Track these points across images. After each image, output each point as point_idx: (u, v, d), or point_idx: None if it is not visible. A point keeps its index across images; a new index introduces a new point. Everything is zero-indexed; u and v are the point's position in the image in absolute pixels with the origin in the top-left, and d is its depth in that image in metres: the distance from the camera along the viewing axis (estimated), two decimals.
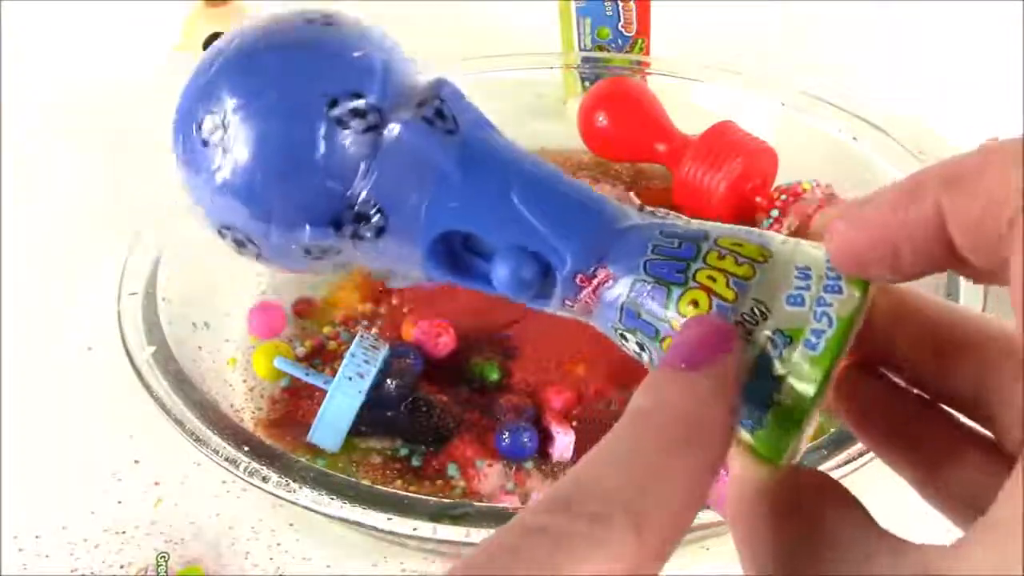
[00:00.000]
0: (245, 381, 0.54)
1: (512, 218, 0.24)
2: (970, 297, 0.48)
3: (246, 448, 0.43)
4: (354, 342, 0.49)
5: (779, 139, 0.60)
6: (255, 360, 0.53)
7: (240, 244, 0.25)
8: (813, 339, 0.22)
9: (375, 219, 0.24)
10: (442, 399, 0.51)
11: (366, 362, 0.48)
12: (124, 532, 0.49)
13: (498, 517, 0.40)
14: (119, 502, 0.50)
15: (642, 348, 0.24)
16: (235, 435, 0.44)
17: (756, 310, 0.23)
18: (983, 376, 0.22)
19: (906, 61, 0.78)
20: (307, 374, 0.50)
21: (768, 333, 0.22)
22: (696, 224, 0.25)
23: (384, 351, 0.49)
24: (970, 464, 0.23)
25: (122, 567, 0.47)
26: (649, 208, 0.26)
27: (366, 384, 0.47)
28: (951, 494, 0.23)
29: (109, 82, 0.78)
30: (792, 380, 0.22)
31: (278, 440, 0.49)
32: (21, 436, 0.54)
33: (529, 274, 0.24)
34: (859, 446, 0.41)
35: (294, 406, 0.52)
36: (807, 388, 0.22)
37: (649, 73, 0.68)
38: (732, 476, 0.22)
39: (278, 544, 0.48)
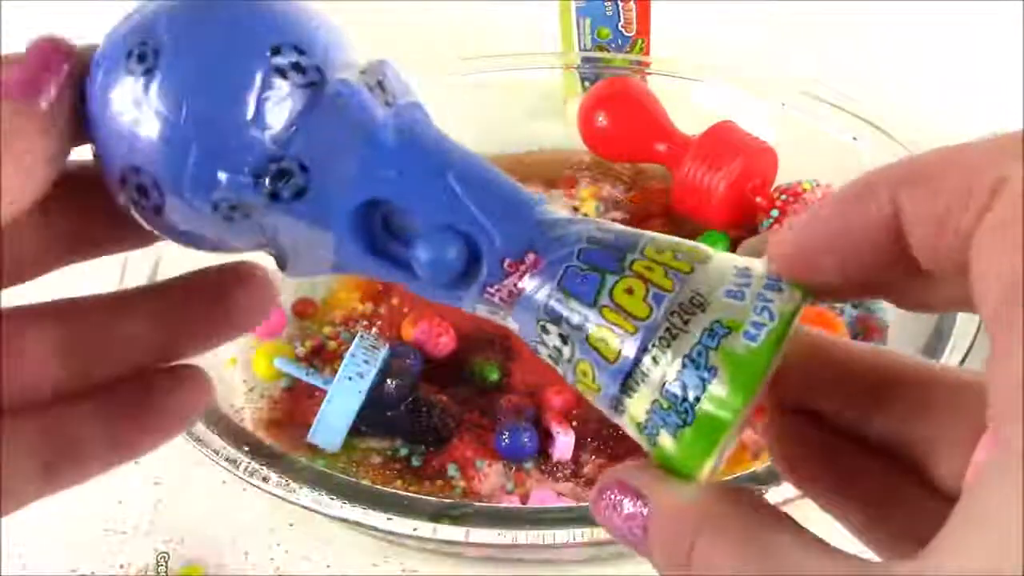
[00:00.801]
0: (245, 381, 0.54)
1: (444, 195, 0.23)
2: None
3: (246, 448, 0.43)
4: (354, 342, 0.49)
5: (779, 139, 0.60)
6: (255, 360, 0.53)
7: (142, 193, 0.23)
8: (753, 331, 0.21)
9: (297, 177, 0.23)
10: (442, 399, 0.51)
11: (366, 362, 0.48)
12: (124, 532, 0.49)
13: (498, 517, 0.40)
14: (119, 502, 0.50)
15: (564, 341, 0.23)
16: (235, 435, 0.44)
17: (695, 299, 0.22)
18: (904, 417, 0.22)
19: (906, 61, 0.78)
20: (307, 374, 0.50)
21: (706, 323, 0.21)
22: (630, 227, 0.24)
23: (384, 351, 0.49)
24: (908, 503, 0.22)
25: (122, 567, 0.47)
26: (583, 213, 0.25)
27: (366, 384, 0.47)
28: (891, 533, 0.22)
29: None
30: (728, 370, 0.21)
31: (278, 440, 0.49)
32: None
33: (454, 254, 0.23)
34: None
35: (294, 406, 0.52)
36: (743, 379, 0.21)
37: (649, 73, 0.68)
38: (658, 512, 0.21)
39: (278, 544, 0.48)
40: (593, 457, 0.49)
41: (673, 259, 0.22)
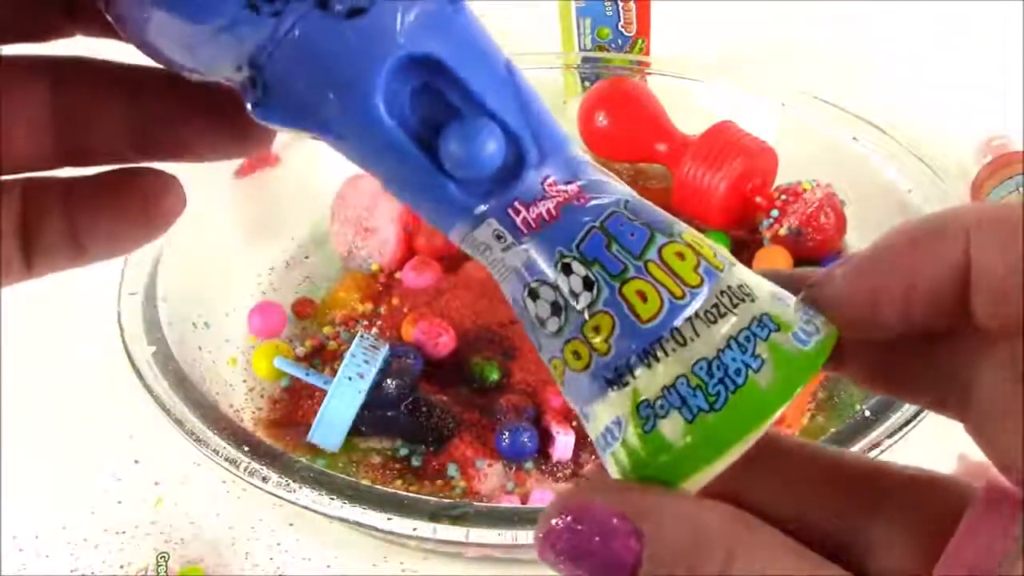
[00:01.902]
0: (245, 381, 0.54)
1: (502, 84, 0.20)
2: None
3: (246, 448, 0.43)
4: (354, 342, 0.49)
5: (779, 139, 0.60)
6: (255, 360, 0.53)
7: None
8: (803, 336, 0.19)
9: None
10: (442, 399, 0.51)
11: (366, 362, 0.48)
12: (124, 532, 0.49)
13: (498, 517, 0.40)
14: (119, 502, 0.50)
15: (589, 286, 0.20)
16: (235, 435, 0.44)
17: (743, 288, 0.20)
18: (840, 514, 0.21)
19: (906, 61, 0.78)
20: (307, 374, 0.50)
21: (755, 313, 0.19)
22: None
23: (384, 351, 0.49)
24: None
25: (122, 567, 0.47)
26: None
27: (366, 384, 0.47)
28: None
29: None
30: (776, 366, 0.19)
31: (278, 440, 0.49)
32: (21, 436, 0.54)
33: (493, 148, 0.20)
34: (859, 445, 0.41)
35: (294, 406, 0.52)
36: (792, 378, 0.19)
37: (649, 73, 0.68)
38: (664, 541, 0.18)
39: (278, 544, 0.48)
40: (593, 457, 0.49)
41: (712, 249, 0.21)
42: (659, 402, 0.19)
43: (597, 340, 0.20)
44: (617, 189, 0.21)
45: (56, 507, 0.50)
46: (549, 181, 0.21)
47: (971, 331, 0.19)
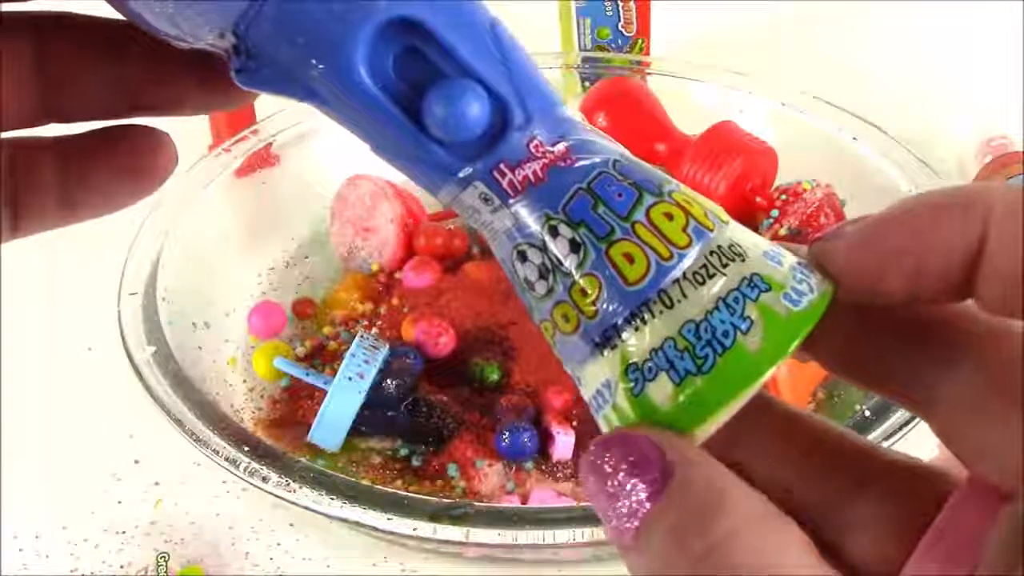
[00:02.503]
0: (245, 381, 0.54)
1: (486, 45, 0.20)
2: None
3: (246, 448, 0.43)
4: (354, 342, 0.49)
5: (779, 139, 0.60)
6: (255, 360, 0.53)
7: None
8: (795, 296, 0.19)
9: None
10: (442, 399, 0.51)
11: (366, 362, 0.48)
12: (124, 532, 0.49)
13: (498, 517, 0.40)
14: (119, 502, 0.50)
15: (575, 248, 0.20)
16: (235, 435, 0.44)
17: (734, 248, 0.20)
18: (830, 492, 0.21)
19: (906, 61, 0.78)
20: (307, 374, 0.50)
21: (745, 274, 0.19)
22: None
23: (384, 351, 0.49)
24: None
25: (122, 567, 0.47)
26: None
27: (366, 384, 0.47)
28: None
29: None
30: (767, 326, 0.19)
31: (278, 440, 0.49)
32: (21, 436, 0.54)
33: (478, 110, 0.20)
34: None
35: (294, 406, 0.52)
36: (783, 339, 0.19)
37: (649, 73, 0.68)
38: (689, 483, 0.18)
39: (278, 544, 0.48)
40: None
41: (703, 208, 0.20)
42: (647, 365, 0.19)
43: (585, 303, 0.20)
44: (608, 148, 0.21)
45: (56, 507, 0.50)
46: (535, 143, 0.20)
47: (945, 324, 0.19)
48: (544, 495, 0.47)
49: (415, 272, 0.58)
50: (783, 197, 0.57)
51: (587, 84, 0.69)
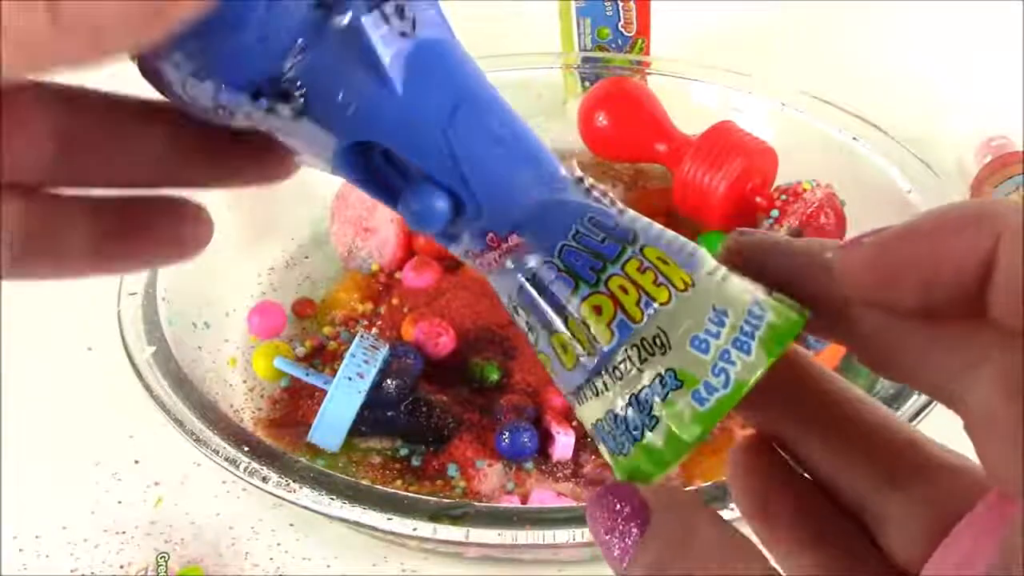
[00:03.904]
0: (245, 381, 0.54)
1: (440, 152, 0.22)
2: None
3: (246, 448, 0.43)
4: (354, 342, 0.49)
5: (779, 139, 0.60)
6: (255, 360, 0.53)
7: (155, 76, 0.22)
8: (704, 393, 0.20)
9: (297, 102, 0.22)
10: (442, 399, 0.51)
11: (366, 362, 0.48)
12: (124, 532, 0.49)
13: (498, 517, 0.40)
14: (119, 502, 0.50)
15: (530, 329, 0.23)
16: (235, 435, 0.44)
17: (658, 340, 0.21)
18: (871, 480, 0.21)
19: (906, 61, 0.78)
20: (307, 374, 0.50)
21: (660, 370, 0.21)
22: (628, 219, 0.23)
23: (384, 351, 0.49)
24: (867, 569, 0.21)
25: (122, 567, 0.47)
26: (588, 182, 0.23)
27: (366, 384, 0.47)
28: None
29: (110, 79, 0.78)
30: (669, 426, 0.21)
31: (278, 440, 0.49)
32: (21, 436, 0.54)
33: (441, 208, 0.22)
34: None
35: (294, 406, 0.52)
36: (683, 439, 0.20)
37: (649, 73, 0.68)
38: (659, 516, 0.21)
39: (278, 544, 0.48)
40: (593, 457, 0.49)
41: (652, 284, 0.22)
42: (595, 430, 0.22)
43: (548, 368, 0.23)
44: (565, 221, 0.22)
45: (56, 507, 0.50)
46: (490, 236, 0.23)
47: (974, 329, 0.19)
48: (544, 495, 0.47)
49: (415, 272, 0.58)
50: (783, 197, 0.57)
51: (587, 84, 0.69)
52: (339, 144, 0.22)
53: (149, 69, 0.22)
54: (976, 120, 0.68)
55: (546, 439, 0.49)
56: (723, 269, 0.22)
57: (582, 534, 0.39)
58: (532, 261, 0.22)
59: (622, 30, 0.70)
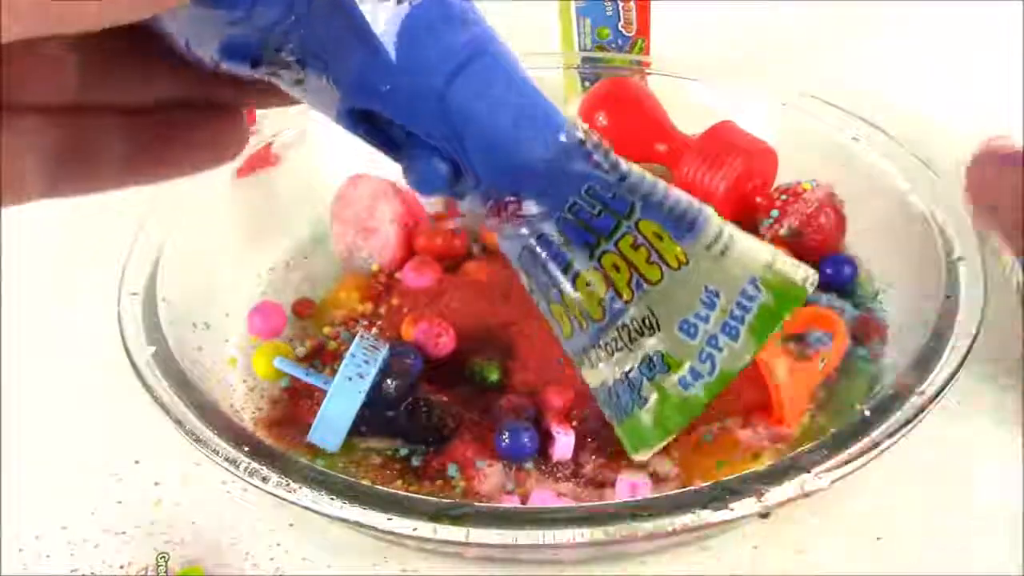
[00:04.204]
0: (245, 381, 0.54)
1: (437, 120, 0.22)
2: (970, 293, 0.48)
3: (246, 448, 0.43)
4: (354, 342, 0.49)
5: (779, 139, 0.60)
6: (255, 360, 0.53)
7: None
8: (690, 378, 0.21)
9: (294, 70, 0.22)
10: (442, 399, 0.51)
11: (366, 362, 0.48)
12: (124, 532, 0.49)
13: (498, 517, 0.40)
14: (119, 502, 0.50)
15: (532, 292, 0.23)
16: (235, 435, 0.44)
17: (648, 321, 0.21)
18: None
19: (906, 60, 0.78)
20: (307, 374, 0.50)
21: (649, 352, 0.21)
22: (627, 187, 0.22)
23: (384, 351, 0.49)
24: None
25: (122, 567, 0.47)
26: (591, 143, 0.23)
27: (366, 384, 0.47)
28: None
29: None
30: (655, 408, 0.21)
31: (278, 440, 0.49)
32: (21, 436, 0.54)
33: (440, 172, 0.22)
34: (859, 445, 0.41)
35: (294, 406, 0.52)
36: (669, 422, 0.21)
37: (649, 73, 0.68)
38: None
39: (278, 544, 0.48)
40: (593, 457, 0.49)
41: (645, 262, 0.22)
42: (593, 393, 0.23)
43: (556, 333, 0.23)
44: (565, 187, 0.22)
45: (56, 507, 0.50)
46: (491, 203, 0.23)
47: None
48: (544, 495, 0.47)
49: (415, 272, 0.58)
50: (783, 197, 0.57)
51: (587, 84, 0.69)
52: (340, 106, 0.22)
53: (156, 28, 0.22)
54: (976, 120, 0.68)
55: (546, 439, 0.49)
56: (726, 235, 0.22)
57: (582, 534, 0.39)
58: (529, 231, 0.22)
59: (622, 30, 0.70)
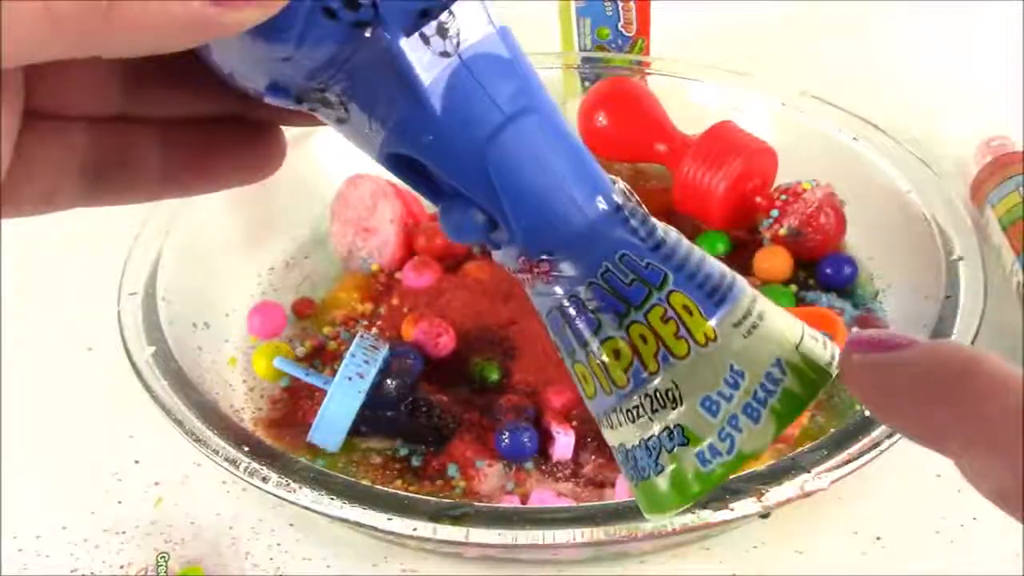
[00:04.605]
0: (245, 381, 0.54)
1: (476, 174, 0.22)
2: (970, 294, 0.48)
3: (246, 448, 0.43)
4: (354, 342, 0.49)
5: (779, 139, 0.60)
6: (255, 360, 0.53)
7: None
8: (708, 455, 0.21)
9: (337, 110, 0.22)
10: (442, 399, 0.51)
11: (366, 362, 0.48)
12: (124, 532, 0.49)
13: (498, 517, 0.40)
14: (119, 502, 0.50)
15: (558, 349, 0.23)
16: (235, 435, 0.44)
17: (671, 394, 0.21)
18: None
19: (906, 61, 0.78)
20: (307, 374, 0.50)
21: (669, 424, 0.21)
22: (661, 256, 0.22)
23: (384, 351, 0.49)
24: None
25: (122, 567, 0.47)
26: (629, 208, 0.23)
27: (366, 384, 0.47)
28: None
29: None
30: (673, 478, 0.21)
31: (278, 440, 0.49)
32: (21, 436, 0.54)
33: (478, 223, 0.22)
34: (859, 445, 0.41)
35: (294, 406, 0.52)
36: (684, 493, 0.21)
37: (649, 73, 0.68)
38: None
39: (278, 544, 0.48)
40: (593, 457, 0.49)
41: (673, 336, 0.22)
42: (613, 452, 0.23)
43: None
44: (598, 254, 0.22)
45: (56, 507, 0.50)
46: (522, 259, 0.23)
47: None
48: (544, 495, 0.47)
49: (415, 272, 0.58)
50: (783, 197, 0.57)
51: (587, 84, 0.69)
52: (382, 149, 0.22)
53: (201, 56, 0.23)
54: (976, 120, 0.68)
55: (546, 439, 0.49)
56: (756, 312, 0.22)
57: (582, 534, 0.39)
58: (560, 291, 0.22)
59: (622, 30, 0.70)
